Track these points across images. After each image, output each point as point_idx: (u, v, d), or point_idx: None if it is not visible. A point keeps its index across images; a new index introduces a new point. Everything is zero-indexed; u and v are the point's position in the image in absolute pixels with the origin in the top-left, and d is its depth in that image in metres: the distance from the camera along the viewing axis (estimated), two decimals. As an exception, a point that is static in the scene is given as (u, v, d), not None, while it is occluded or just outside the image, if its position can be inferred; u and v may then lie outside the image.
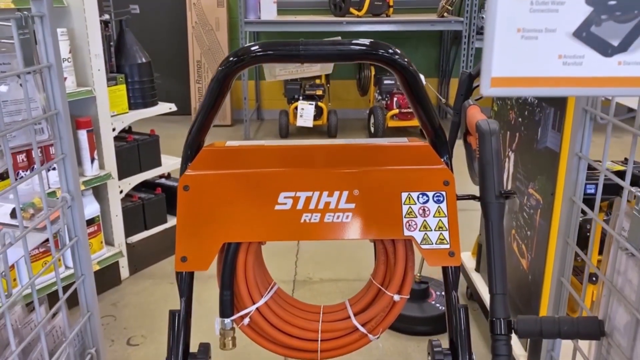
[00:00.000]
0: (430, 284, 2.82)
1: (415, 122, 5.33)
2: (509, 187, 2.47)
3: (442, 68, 6.55)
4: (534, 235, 2.19)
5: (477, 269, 2.86)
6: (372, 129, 5.64)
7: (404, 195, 1.19)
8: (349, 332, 1.25)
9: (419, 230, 1.19)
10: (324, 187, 1.18)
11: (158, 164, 3.27)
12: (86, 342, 1.39)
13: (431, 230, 1.19)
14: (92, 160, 2.85)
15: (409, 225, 1.19)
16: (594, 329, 1.10)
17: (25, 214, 1.27)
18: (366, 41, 1.13)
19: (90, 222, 2.90)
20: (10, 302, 1.08)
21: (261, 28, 5.90)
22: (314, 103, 5.53)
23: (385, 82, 5.60)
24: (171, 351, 1.17)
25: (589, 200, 1.73)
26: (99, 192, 3.00)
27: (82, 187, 2.81)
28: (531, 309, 2.16)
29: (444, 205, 1.19)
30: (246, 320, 1.24)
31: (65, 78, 2.74)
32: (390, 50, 1.11)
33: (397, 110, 5.52)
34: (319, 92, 5.63)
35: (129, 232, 3.15)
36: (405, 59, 1.12)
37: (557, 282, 1.27)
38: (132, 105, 3.12)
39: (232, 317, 1.23)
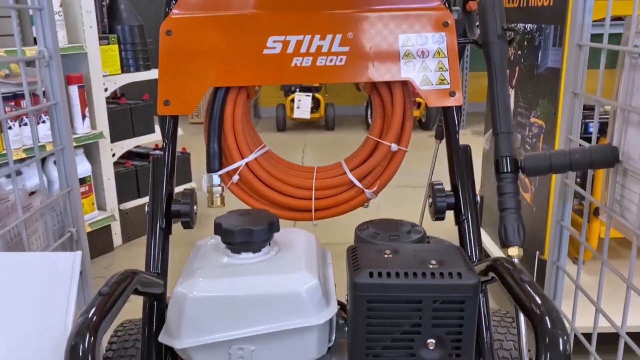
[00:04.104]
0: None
1: (415, 113, 5.28)
2: (510, 127, 2.40)
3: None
4: (538, 164, 2.11)
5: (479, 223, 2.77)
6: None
7: (402, 37, 1.13)
8: (345, 189, 1.18)
9: (418, 72, 1.12)
10: (316, 30, 1.12)
11: (151, 130, 3.21)
12: (65, 223, 1.31)
13: (431, 71, 1.12)
14: (84, 117, 2.79)
15: (407, 67, 1.12)
16: (607, 156, 1.03)
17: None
18: None
19: (81, 181, 2.82)
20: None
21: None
22: (310, 94, 5.49)
23: (382, 72, 5.56)
24: (154, 196, 1.09)
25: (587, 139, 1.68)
26: (91, 153, 2.93)
27: (74, 144, 2.74)
28: (537, 240, 2.08)
29: (443, 46, 1.13)
30: (235, 178, 1.16)
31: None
32: None
33: (394, 101, 5.47)
34: (316, 84, 5.60)
35: (122, 199, 3.08)
36: None
37: (561, 184, 1.19)
38: (125, 68, 3.06)
39: (220, 172, 1.15)
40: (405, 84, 1.16)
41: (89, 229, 2.84)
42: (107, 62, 2.95)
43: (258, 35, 1.12)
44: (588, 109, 1.55)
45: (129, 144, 3.10)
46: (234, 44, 1.12)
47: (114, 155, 3.01)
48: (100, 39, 2.87)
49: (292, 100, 5.50)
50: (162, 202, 1.08)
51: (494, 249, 2.41)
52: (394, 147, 1.15)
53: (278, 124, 5.71)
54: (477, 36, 1.30)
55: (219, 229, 0.94)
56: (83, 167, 2.83)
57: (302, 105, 5.45)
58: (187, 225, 1.10)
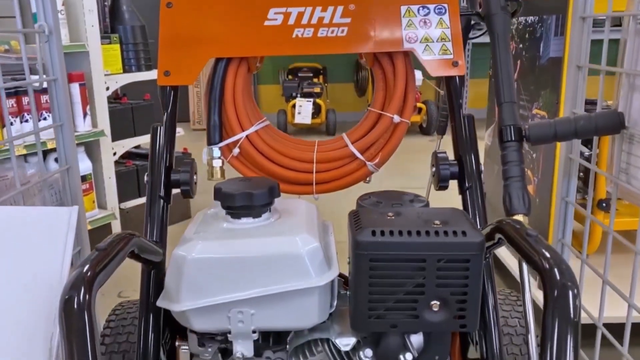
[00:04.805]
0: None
1: (414, 118, 5.28)
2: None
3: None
4: (539, 155, 2.10)
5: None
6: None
7: (403, 8, 1.12)
8: (347, 162, 1.16)
9: (420, 42, 1.11)
10: (317, 1, 1.12)
11: (152, 129, 3.19)
12: (64, 201, 1.30)
13: (433, 41, 1.11)
14: (85, 115, 2.78)
15: (409, 37, 1.11)
16: (613, 122, 1.01)
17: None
18: None
19: (82, 179, 2.80)
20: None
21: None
22: (312, 100, 5.49)
23: (383, 78, 5.57)
24: (153, 164, 1.07)
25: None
26: (92, 151, 2.92)
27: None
28: (539, 232, 2.06)
29: (446, 17, 1.12)
30: (235, 151, 1.15)
31: (58, 30, 2.70)
32: None
33: (395, 106, 5.47)
34: (317, 90, 5.60)
35: (122, 198, 3.06)
36: None
37: (566, 160, 1.18)
38: (126, 68, 3.07)
39: (220, 144, 1.14)
40: (407, 55, 1.15)
41: (89, 227, 2.82)
42: (108, 61, 2.95)
43: (259, 6, 1.11)
44: (589, 104, 1.54)
45: (129, 143, 3.10)
46: (234, 15, 1.11)
47: (115, 154, 3.00)
48: (102, 38, 2.87)
49: (293, 106, 5.50)
50: (162, 170, 1.07)
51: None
52: (397, 118, 1.14)
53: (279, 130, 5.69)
54: (479, 8, 1.29)
55: (218, 194, 0.92)
56: (84, 165, 2.82)
57: (303, 111, 5.45)
58: (187, 195, 1.08)
